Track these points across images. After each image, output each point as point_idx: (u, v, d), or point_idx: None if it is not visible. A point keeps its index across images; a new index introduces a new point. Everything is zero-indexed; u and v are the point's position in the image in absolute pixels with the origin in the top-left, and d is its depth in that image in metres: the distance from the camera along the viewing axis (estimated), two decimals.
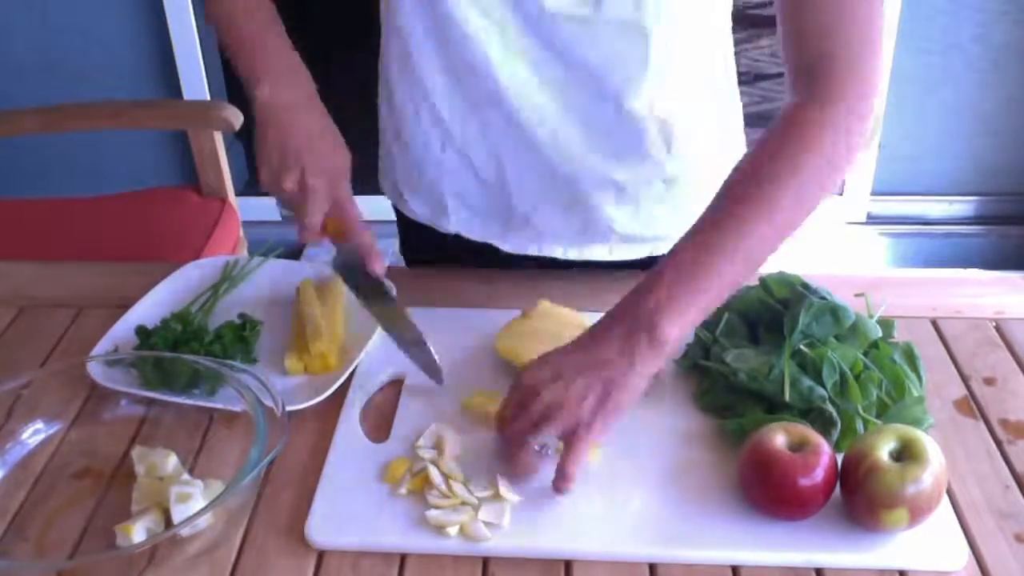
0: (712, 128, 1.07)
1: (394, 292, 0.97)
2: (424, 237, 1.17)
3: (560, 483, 0.79)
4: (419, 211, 1.15)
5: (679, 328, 0.80)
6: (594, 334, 0.82)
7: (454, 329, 1.01)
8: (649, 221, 1.08)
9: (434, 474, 0.82)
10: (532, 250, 1.13)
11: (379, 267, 0.96)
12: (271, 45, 1.00)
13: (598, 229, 1.09)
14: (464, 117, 1.03)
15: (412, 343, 0.94)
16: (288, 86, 0.98)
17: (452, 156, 1.07)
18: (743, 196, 0.82)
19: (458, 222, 1.13)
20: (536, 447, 0.80)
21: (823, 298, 0.89)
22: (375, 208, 3.01)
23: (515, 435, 0.81)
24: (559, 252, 1.12)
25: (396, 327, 0.96)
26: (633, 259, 1.11)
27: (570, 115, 1.00)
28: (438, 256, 1.08)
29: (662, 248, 1.09)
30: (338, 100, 1.08)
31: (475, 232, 1.13)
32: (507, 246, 1.13)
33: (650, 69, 0.96)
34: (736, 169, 0.85)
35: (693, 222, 0.84)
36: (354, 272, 0.98)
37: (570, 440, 0.79)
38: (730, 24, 1.04)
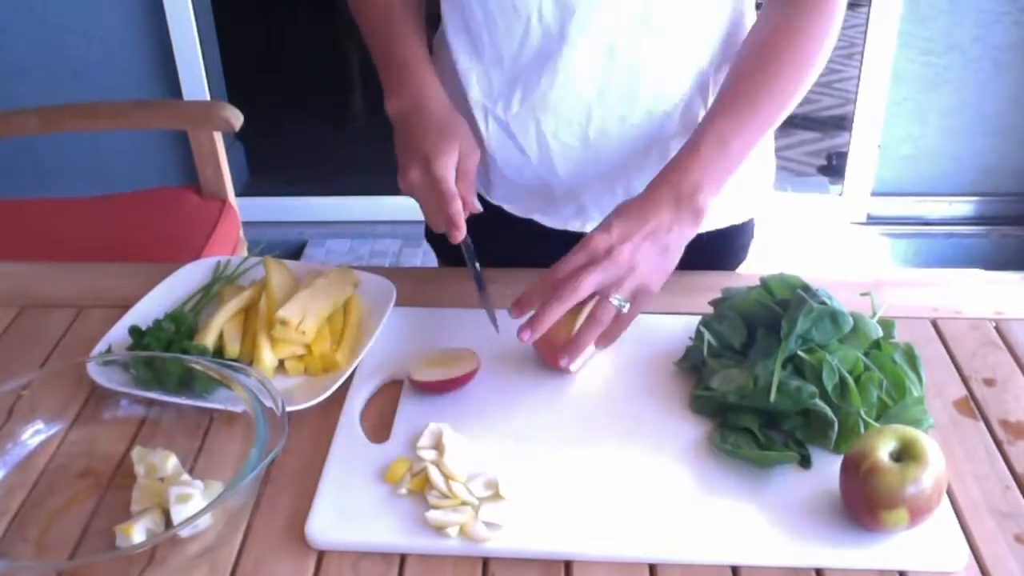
0: None
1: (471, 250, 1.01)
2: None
3: (606, 342, 0.92)
4: None
5: (712, 200, 0.94)
6: (644, 208, 0.92)
7: (453, 329, 1.01)
8: None
9: (434, 474, 0.82)
10: (575, 226, 1.14)
11: (457, 237, 0.98)
12: (394, 54, 1.05)
13: None
14: (507, 88, 1.06)
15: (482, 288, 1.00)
16: (405, 93, 1.04)
17: (494, 126, 1.08)
18: (755, 87, 0.98)
19: (502, 196, 1.14)
20: (614, 303, 0.88)
21: (823, 302, 0.89)
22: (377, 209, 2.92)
23: (573, 286, 0.87)
24: None
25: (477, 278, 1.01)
26: None
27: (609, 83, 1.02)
28: (475, 235, 1.09)
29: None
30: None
31: (519, 206, 1.15)
32: (548, 221, 1.14)
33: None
34: (741, 68, 0.99)
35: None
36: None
37: (635, 299, 0.91)
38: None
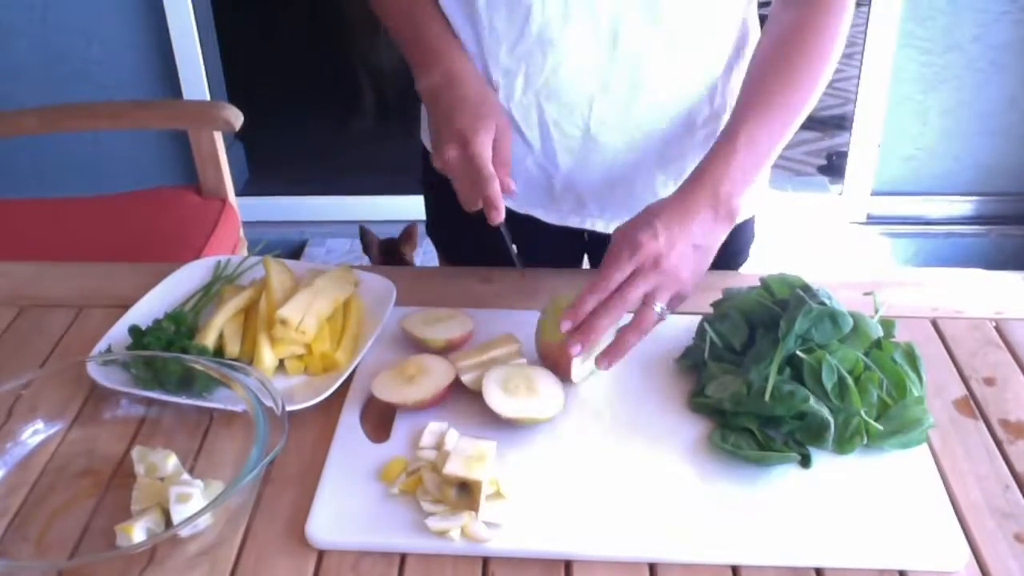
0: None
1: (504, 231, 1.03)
2: (456, 209, 1.17)
3: (620, 352, 0.89)
4: None
5: (744, 200, 0.95)
6: (686, 211, 0.92)
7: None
8: None
9: (427, 479, 0.82)
10: (574, 222, 1.14)
11: (497, 218, 0.97)
12: (421, 34, 1.05)
13: (643, 199, 1.09)
14: (509, 74, 1.04)
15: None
16: (436, 71, 1.03)
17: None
18: (780, 88, 0.98)
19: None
20: (657, 310, 0.89)
21: (823, 302, 0.89)
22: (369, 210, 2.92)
23: (623, 298, 0.88)
24: (600, 226, 1.14)
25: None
26: None
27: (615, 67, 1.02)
28: (467, 232, 1.08)
29: None
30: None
31: (519, 201, 1.13)
32: (548, 216, 1.13)
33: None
34: (762, 69, 1.00)
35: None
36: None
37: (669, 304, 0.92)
38: None
